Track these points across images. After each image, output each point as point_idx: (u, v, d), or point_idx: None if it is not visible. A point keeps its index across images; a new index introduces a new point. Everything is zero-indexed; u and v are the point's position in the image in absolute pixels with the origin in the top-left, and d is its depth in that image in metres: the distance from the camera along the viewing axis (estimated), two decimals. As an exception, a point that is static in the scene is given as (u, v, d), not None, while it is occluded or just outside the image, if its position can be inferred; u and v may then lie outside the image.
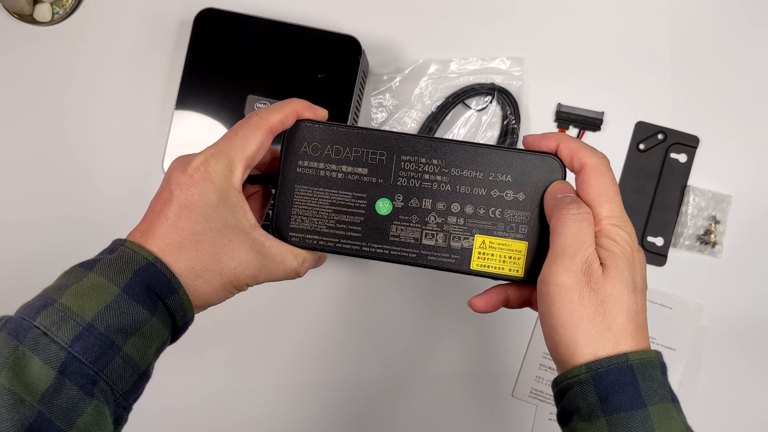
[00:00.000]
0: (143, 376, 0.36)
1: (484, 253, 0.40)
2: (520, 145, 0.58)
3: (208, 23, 0.62)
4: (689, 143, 0.65)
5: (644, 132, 0.65)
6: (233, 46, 0.62)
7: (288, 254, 0.40)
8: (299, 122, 0.41)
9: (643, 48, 0.66)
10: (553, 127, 0.65)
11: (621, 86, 0.66)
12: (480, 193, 0.40)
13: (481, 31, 0.67)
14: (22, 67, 0.67)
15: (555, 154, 0.40)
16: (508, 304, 0.42)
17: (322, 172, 0.41)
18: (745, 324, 0.64)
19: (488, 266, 0.40)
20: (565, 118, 0.65)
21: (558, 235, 0.36)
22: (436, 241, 0.40)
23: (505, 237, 0.40)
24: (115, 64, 0.67)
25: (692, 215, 0.64)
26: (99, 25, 0.68)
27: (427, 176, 0.40)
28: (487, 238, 0.40)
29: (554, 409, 0.67)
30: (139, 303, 0.34)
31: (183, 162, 0.38)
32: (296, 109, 0.40)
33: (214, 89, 0.61)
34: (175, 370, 0.65)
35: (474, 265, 0.40)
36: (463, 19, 0.67)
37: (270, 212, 0.43)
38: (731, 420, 0.64)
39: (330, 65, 0.61)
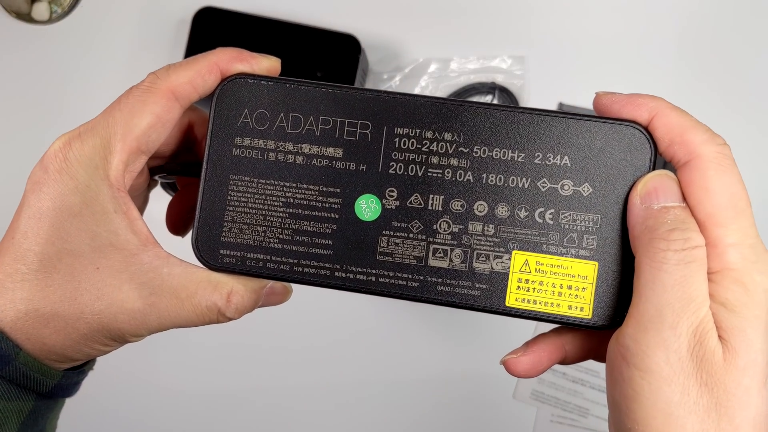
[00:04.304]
0: None
1: (527, 281, 0.26)
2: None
3: (206, 22, 0.60)
4: (691, 142, 0.64)
5: (645, 131, 0.65)
6: (232, 44, 0.62)
7: (201, 285, 0.25)
8: (234, 79, 0.27)
9: (644, 47, 0.62)
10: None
11: (622, 86, 0.65)
12: (520, 185, 0.26)
13: (482, 30, 0.63)
14: (19, 67, 0.64)
15: (641, 126, 0.26)
16: (564, 361, 0.27)
17: (272, 154, 0.27)
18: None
19: (534, 301, 0.26)
20: (566, 117, 0.64)
21: (648, 283, 0.22)
22: (451, 261, 0.26)
23: (561, 255, 0.25)
24: (113, 63, 0.64)
25: (693, 214, 0.63)
26: (97, 24, 0.64)
27: (435, 159, 0.26)
28: (533, 257, 0.26)
29: (555, 411, 0.67)
30: None
31: (50, 147, 0.25)
32: (217, 61, 0.26)
33: (213, 88, 0.61)
34: (173, 371, 0.65)
35: (511, 300, 0.26)
36: (463, 18, 0.64)
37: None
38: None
39: (329, 64, 0.58)
